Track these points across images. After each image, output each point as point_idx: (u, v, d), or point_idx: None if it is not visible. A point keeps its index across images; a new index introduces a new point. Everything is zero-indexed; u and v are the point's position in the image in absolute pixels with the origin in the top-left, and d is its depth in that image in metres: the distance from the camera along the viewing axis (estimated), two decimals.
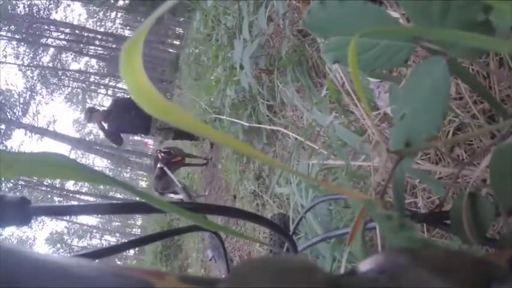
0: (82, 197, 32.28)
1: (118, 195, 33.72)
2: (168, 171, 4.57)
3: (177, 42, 26.17)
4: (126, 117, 5.17)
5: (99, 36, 31.34)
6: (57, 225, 42.51)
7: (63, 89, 35.68)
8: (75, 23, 33.08)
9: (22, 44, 28.97)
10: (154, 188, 5.00)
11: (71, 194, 31.79)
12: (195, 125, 0.26)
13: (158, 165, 5.19)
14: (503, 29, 0.38)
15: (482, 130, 1.05)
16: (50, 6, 28.40)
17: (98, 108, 5.68)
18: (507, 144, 0.46)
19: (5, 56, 30.03)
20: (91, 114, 5.36)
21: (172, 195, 4.57)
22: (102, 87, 36.12)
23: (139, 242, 0.60)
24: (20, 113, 27.02)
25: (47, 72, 31.27)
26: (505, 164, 0.44)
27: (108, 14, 32.43)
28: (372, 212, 0.42)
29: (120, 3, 26.58)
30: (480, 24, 0.38)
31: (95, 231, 43.39)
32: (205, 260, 6.07)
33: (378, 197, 0.46)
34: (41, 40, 29.40)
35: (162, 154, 5.28)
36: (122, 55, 0.24)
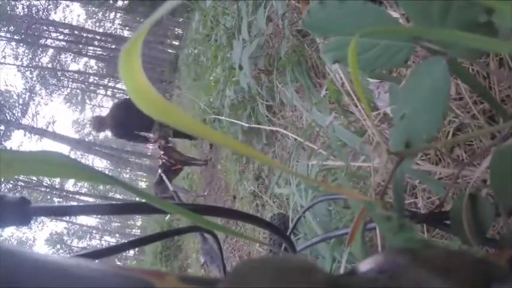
0: (81, 197, 32.25)
1: (118, 196, 33.72)
2: (165, 178, 4.75)
3: (176, 43, 26.17)
4: (130, 118, 5.21)
5: (98, 37, 31.32)
6: (56, 226, 42.54)
7: (62, 89, 35.67)
8: (74, 23, 33.08)
9: (21, 44, 28.93)
10: (154, 192, 5.16)
11: (70, 195, 31.75)
12: (194, 125, 0.26)
13: (158, 172, 5.42)
14: (505, 30, 0.38)
15: (483, 131, 1.05)
16: (49, 7, 28.38)
17: (103, 115, 5.71)
18: (507, 145, 0.46)
19: (4, 57, 30.03)
20: (101, 124, 5.42)
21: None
22: (101, 87, 36.12)
23: (139, 243, 0.60)
24: (19, 114, 26.97)
25: (46, 73, 31.24)
26: (505, 165, 0.44)
27: (107, 15, 32.42)
28: (371, 212, 0.42)
29: (119, 3, 26.58)
30: (482, 25, 0.38)
31: (94, 232, 43.37)
32: None
33: (378, 198, 0.46)
34: (40, 41, 29.36)
35: (163, 161, 5.46)
36: (121, 56, 0.24)
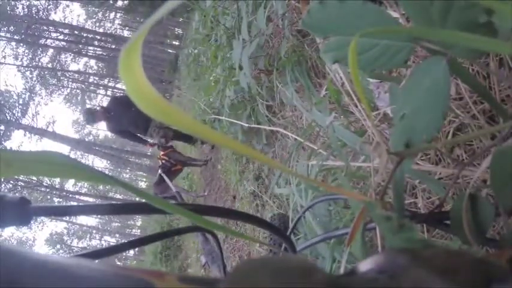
0: (81, 197, 32.26)
1: (118, 196, 33.73)
2: (166, 178, 4.77)
3: (176, 43, 26.20)
4: (126, 115, 5.16)
5: (98, 37, 31.32)
6: (56, 226, 42.62)
7: (62, 89, 35.68)
8: (74, 23, 33.06)
9: (21, 44, 28.92)
10: (154, 192, 5.18)
11: (70, 195, 31.75)
12: (194, 126, 0.26)
13: (158, 172, 5.47)
14: (505, 30, 0.38)
15: (483, 131, 1.05)
16: (49, 7, 28.38)
17: (97, 108, 5.66)
18: (507, 145, 0.46)
19: (4, 57, 29.99)
20: (92, 115, 5.34)
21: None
22: (101, 87, 36.12)
23: (139, 243, 0.60)
24: (19, 114, 26.96)
25: (46, 73, 31.24)
26: (506, 165, 0.44)
27: (107, 15, 32.46)
28: (371, 212, 0.42)
29: (119, 3, 26.55)
30: (482, 26, 0.38)
31: (94, 232, 43.37)
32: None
33: (378, 198, 0.46)
34: (40, 41, 29.35)
35: (163, 161, 5.47)
36: (121, 56, 0.24)
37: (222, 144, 0.28)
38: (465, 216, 0.47)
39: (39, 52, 30.20)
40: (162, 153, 5.66)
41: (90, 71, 36.45)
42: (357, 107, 1.35)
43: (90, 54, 31.90)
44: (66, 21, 31.87)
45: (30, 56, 30.03)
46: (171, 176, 5.55)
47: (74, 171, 0.28)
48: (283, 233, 0.67)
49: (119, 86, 33.39)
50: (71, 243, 41.09)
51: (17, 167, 0.26)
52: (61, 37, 30.26)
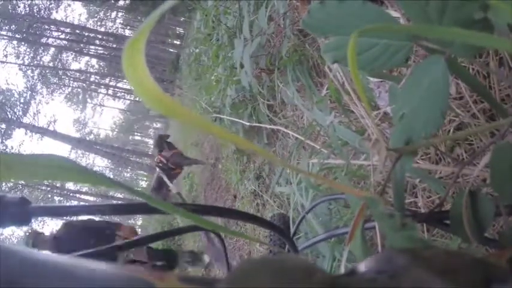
0: (82, 196, 32.25)
1: (119, 195, 33.72)
2: (167, 180, 4.75)
3: (178, 42, 26.22)
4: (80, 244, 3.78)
5: (100, 36, 31.33)
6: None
7: (63, 88, 35.68)
8: (76, 22, 33.05)
9: (23, 43, 28.93)
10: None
11: (71, 194, 31.76)
12: (197, 120, 0.26)
13: (156, 173, 5.54)
14: (501, 27, 0.38)
15: (481, 128, 1.05)
16: (50, 6, 28.36)
17: (43, 232, 4.36)
18: (506, 142, 0.46)
19: (6, 56, 29.96)
20: (36, 238, 4.07)
21: None
22: (102, 86, 36.15)
23: (140, 242, 0.61)
24: (21, 113, 26.98)
25: (47, 71, 31.24)
26: (505, 161, 0.44)
27: (108, 14, 32.45)
28: (372, 210, 0.42)
29: (121, 3, 26.53)
30: (478, 22, 0.38)
31: None
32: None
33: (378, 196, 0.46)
34: (42, 40, 29.35)
35: (160, 164, 5.44)
36: (124, 50, 0.24)
37: (225, 138, 0.28)
38: (465, 212, 0.47)
39: (40, 51, 30.20)
40: (160, 158, 5.61)
41: (92, 70, 36.45)
42: (357, 106, 1.35)
43: (92, 53, 31.92)
44: (68, 20, 31.87)
45: (32, 55, 30.03)
46: (171, 179, 5.54)
47: (74, 175, 0.28)
48: (286, 233, 0.67)
49: (120, 85, 33.43)
50: None
51: (17, 170, 0.26)
52: (62, 36, 30.28)
